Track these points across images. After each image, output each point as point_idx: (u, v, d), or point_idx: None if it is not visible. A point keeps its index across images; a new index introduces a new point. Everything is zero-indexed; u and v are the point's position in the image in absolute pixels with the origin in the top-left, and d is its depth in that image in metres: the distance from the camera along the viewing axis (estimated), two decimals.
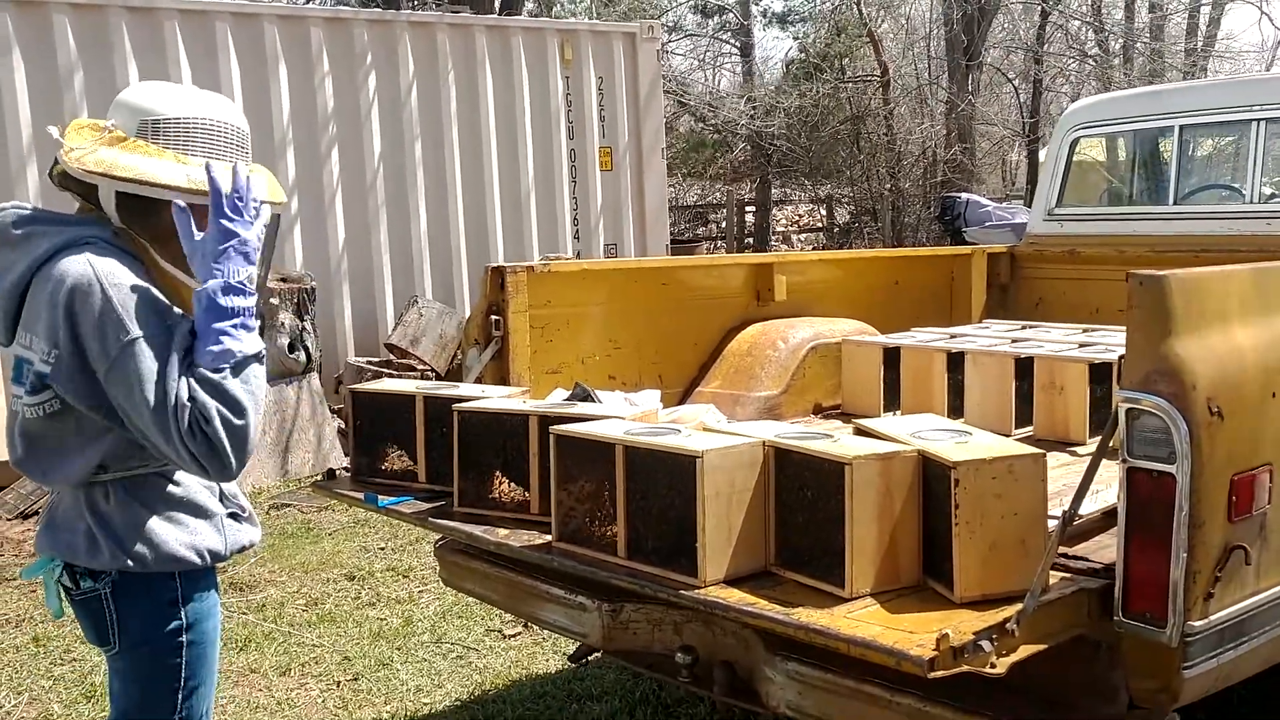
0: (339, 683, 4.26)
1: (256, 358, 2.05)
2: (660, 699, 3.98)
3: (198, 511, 2.18)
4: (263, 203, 2.13)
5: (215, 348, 2.00)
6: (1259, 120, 4.72)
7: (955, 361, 3.84)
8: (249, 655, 4.51)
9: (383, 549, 5.89)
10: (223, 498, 2.24)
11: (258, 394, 2.03)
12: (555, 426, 2.60)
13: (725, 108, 21.81)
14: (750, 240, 20.51)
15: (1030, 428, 3.68)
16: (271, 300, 7.16)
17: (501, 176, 9.22)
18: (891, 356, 4.02)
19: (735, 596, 2.24)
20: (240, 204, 2.06)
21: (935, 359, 3.89)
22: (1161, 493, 2.08)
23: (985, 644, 1.95)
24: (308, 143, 8.33)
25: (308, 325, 7.60)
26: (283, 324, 7.36)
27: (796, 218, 23.81)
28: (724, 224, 20.41)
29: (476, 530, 2.79)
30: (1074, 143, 5.40)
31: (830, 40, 21.74)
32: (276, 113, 8.11)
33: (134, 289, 2.01)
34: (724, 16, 24.63)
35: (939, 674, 1.88)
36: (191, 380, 1.97)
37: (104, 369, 1.98)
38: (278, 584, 5.35)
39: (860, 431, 2.57)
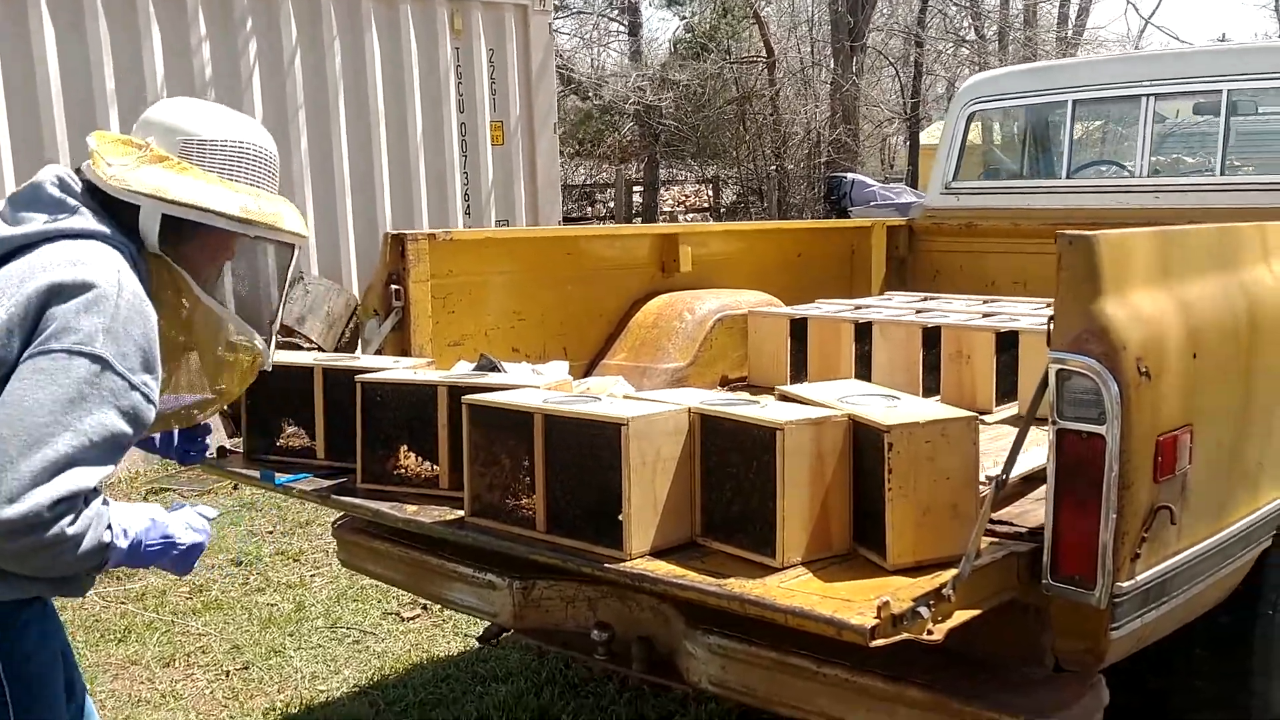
0: (228, 672, 4.05)
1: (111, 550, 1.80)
2: (567, 678, 3.88)
3: None
4: (282, 232, 2.06)
5: (114, 540, 1.79)
6: (1148, 95, 4.82)
7: (862, 332, 3.83)
8: (129, 646, 4.26)
9: (271, 533, 5.66)
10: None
11: (98, 545, 1.77)
12: (468, 396, 2.47)
13: (612, 85, 21.63)
14: (639, 219, 20.46)
15: (938, 397, 3.69)
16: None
17: (390, 150, 8.93)
18: (798, 328, 3.98)
19: (663, 569, 2.15)
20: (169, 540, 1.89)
21: (843, 329, 3.86)
22: (1091, 454, 2.06)
23: (923, 610, 1.91)
24: None
25: None
26: None
27: (684, 198, 23.83)
28: (612, 203, 20.31)
29: (383, 507, 2.66)
30: (970, 117, 5.44)
31: (716, 21, 21.75)
32: (150, 79, 7.67)
33: (145, 335, 1.80)
34: None
35: (880, 642, 1.83)
36: (98, 501, 1.75)
37: (34, 349, 1.71)
38: (157, 571, 5.06)
39: (785, 398, 2.50)
